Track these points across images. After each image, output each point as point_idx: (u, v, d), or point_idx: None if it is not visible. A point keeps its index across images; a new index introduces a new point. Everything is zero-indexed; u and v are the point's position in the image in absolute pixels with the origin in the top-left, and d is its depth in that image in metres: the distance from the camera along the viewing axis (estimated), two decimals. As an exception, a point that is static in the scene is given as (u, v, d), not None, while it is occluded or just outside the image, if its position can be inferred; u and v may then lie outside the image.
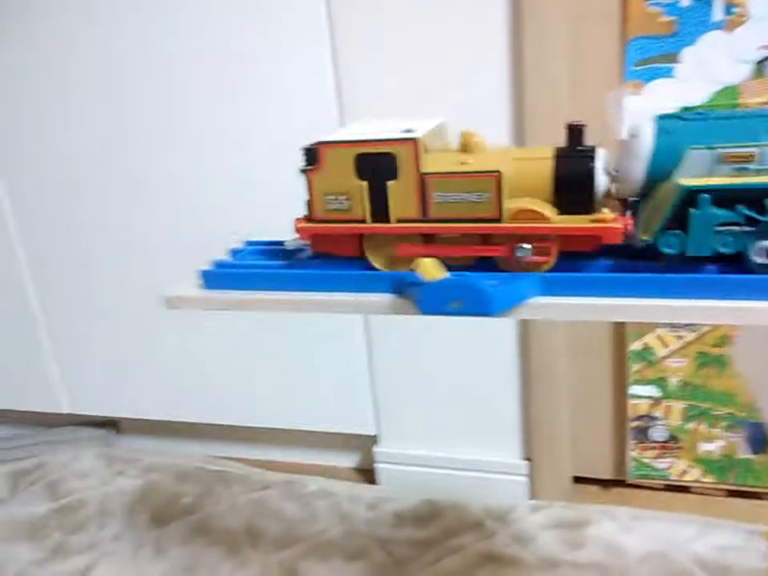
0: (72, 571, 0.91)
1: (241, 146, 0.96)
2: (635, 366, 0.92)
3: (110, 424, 1.25)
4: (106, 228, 1.07)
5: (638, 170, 0.38)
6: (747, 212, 0.36)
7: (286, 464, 1.13)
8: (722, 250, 0.37)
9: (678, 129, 0.37)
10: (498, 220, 0.39)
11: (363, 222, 0.41)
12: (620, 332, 0.92)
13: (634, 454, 0.96)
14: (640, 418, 0.94)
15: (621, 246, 0.39)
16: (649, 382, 0.92)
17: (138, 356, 1.14)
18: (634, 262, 0.40)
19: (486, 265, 0.42)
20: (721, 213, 0.36)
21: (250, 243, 0.51)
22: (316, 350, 1.04)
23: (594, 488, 1.01)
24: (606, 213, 0.38)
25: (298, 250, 0.47)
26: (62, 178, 1.07)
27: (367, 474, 1.09)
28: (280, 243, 0.49)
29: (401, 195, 0.40)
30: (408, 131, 0.40)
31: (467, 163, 0.40)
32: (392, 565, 0.88)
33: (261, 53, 0.91)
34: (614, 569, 0.84)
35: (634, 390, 0.93)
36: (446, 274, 0.39)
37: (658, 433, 0.94)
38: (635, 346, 0.91)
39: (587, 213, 0.38)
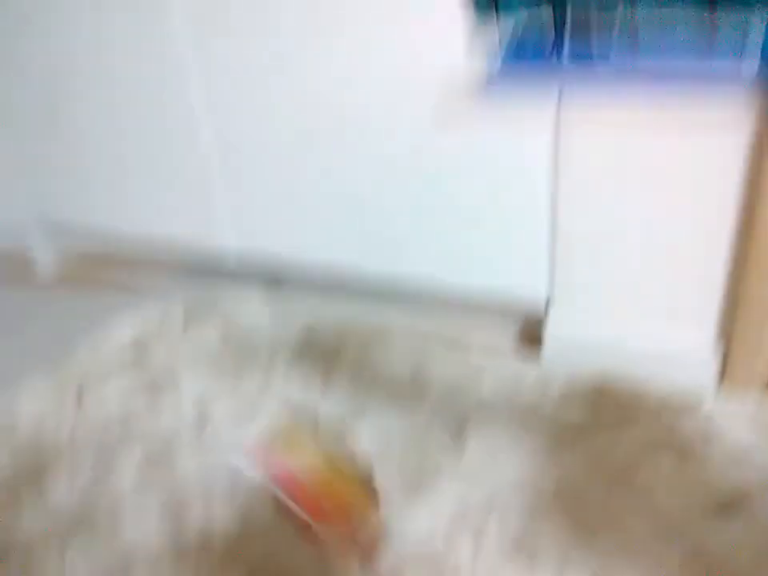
0: (246, 401, 0.96)
1: None
2: None
3: (274, 275, 1.25)
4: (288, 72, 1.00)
5: None
6: None
7: (447, 328, 1.09)
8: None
9: None
10: None
11: None
12: None
13: None
14: None
15: None
16: None
17: (308, 202, 1.10)
18: None
19: None
20: None
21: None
22: (492, 202, 0.95)
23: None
24: None
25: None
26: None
27: (535, 343, 1.02)
28: None
29: None
30: None
31: None
32: (563, 443, 0.84)
33: None
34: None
35: None
36: None
37: None
38: None
39: None
